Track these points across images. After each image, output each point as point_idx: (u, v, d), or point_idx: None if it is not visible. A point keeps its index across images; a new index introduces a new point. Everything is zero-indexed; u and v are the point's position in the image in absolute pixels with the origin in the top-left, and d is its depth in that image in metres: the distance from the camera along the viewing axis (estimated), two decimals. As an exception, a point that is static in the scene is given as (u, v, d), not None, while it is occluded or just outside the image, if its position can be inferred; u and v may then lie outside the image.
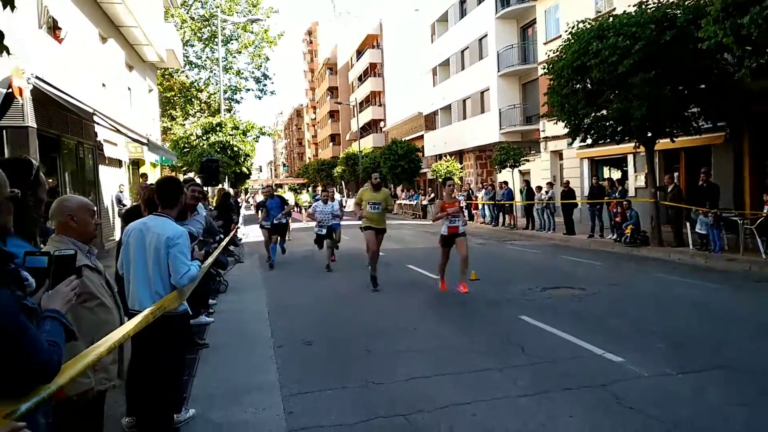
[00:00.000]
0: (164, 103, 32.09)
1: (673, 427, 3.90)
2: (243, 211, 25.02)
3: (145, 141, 15.55)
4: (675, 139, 14.13)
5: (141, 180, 17.72)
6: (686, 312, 7.48)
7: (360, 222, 9.98)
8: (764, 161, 15.15)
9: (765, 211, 11.68)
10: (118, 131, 14.19)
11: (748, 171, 15.15)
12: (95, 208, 3.16)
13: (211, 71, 34.67)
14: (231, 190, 18.26)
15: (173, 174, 23.88)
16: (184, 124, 32.71)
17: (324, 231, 12.16)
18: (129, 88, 19.31)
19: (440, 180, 30.38)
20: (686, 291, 8.97)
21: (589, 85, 13.94)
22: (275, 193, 14.49)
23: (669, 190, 14.15)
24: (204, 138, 24.49)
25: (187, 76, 34.69)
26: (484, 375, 5.11)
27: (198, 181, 10.88)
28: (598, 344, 5.85)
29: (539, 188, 20.52)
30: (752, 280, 9.84)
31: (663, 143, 14.56)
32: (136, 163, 20.40)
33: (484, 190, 24.93)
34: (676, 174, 16.16)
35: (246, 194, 53.27)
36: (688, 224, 13.60)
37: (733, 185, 15.03)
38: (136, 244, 3.73)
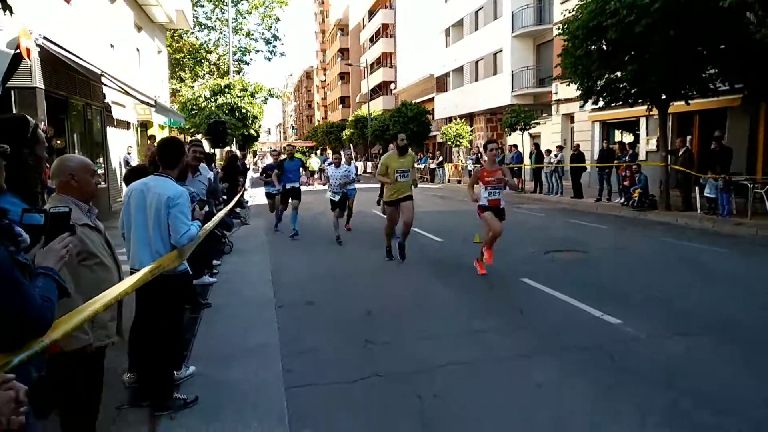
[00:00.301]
0: (173, 64, 31.85)
1: (665, 389, 3.94)
2: (251, 174, 25.05)
3: (153, 103, 15.51)
4: (690, 101, 13.84)
5: (149, 142, 17.77)
6: (689, 276, 7.47)
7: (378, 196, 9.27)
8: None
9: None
10: (127, 93, 14.15)
11: (763, 134, 14.87)
12: (95, 168, 3.18)
13: (221, 32, 34.32)
14: (238, 153, 18.23)
15: (181, 136, 23.91)
16: (193, 86, 32.53)
17: (337, 198, 10.77)
18: (138, 50, 19.16)
19: (450, 143, 30.18)
20: (691, 255, 8.93)
21: (604, 46, 13.62)
22: (294, 155, 12.66)
23: (680, 153, 13.96)
24: (212, 100, 24.39)
25: (196, 38, 34.36)
26: (483, 336, 5.16)
27: (204, 142, 10.89)
28: (598, 306, 5.87)
29: (548, 152, 20.32)
30: (759, 244, 9.77)
31: (677, 106, 14.27)
32: (144, 125, 20.40)
33: (493, 154, 24.71)
34: (688, 137, 15.89)
35: (255, 156, 53.20)
36: (697, 188, 13.45)
37: (747, 149, 14.77)
38: (137, 204, 3.77)
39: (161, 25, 22.96)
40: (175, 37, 31.60)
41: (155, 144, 4.40)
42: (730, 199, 12.37)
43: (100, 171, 14.64)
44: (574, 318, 5.62)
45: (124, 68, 15.97)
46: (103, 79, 12.74)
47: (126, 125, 17.77)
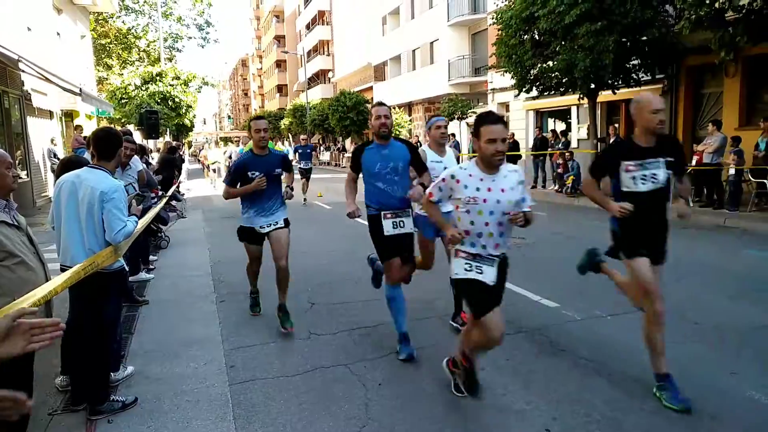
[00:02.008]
0: (99, 50, 30.26)
1: (599, 366, 4.13)
2: (186, 165, 24.33)
3: (77, 91, 14.71)
4: (616, 90, 14.47)
5: (76, 132, 16.87)
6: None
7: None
8: (697, 114, 15.77)
9: (694, 162, 12.21)
10: (48, 80, 13.36)
11: (682, 123, 15.77)
12: (11, 161, 2.98)
13: (150, 17, 32.88)
14: (174, 143, 17.62)
15: (111, 126, 22.83)
16: (122, 74, 31.08)
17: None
18: (58, 34, 18.06)
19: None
20: (621, 239, 9.37)
21: (536, 36, 14.00)
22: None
23: (611, 141, 14.58)
24: (143, 88, 23.45)
25: (123, 22, 32.77)
26: (425, 323, 5.24)
27: (136, 134, 10.44)
28: (536, 291, 6.08)
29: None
30: (680, 226, 10.36)
31: (605, 95, 14.90)
32: (69, 115, 19.35)
33: (432, 143, 25.01)
34: (617, 125, 16.63)
35: (190, 147, 51.59)
36: (625, 174, 14.11)
37: (669, 136, 15.63)
38: (68, 198, 3.57)
39: (83, 8, 21.74)
40: (100, 21, 30.02)
41: (82, 134, 4.18)
42: (654, 183, 13.05)
43: (19, 163, 13.80)
44: (513, 303, 5.79)
45: (44, 54, 15.02)
46: (21, 65, 11.95)
47: (49, 115, 16.78)
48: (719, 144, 11.47)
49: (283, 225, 5.14)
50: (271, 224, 5.11)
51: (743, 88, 14.22)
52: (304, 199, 14.92)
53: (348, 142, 39.88)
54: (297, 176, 12.16)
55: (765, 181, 10.65)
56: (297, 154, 15.75)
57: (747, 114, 14.21)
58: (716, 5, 9.73)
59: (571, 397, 3.69)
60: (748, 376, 3.88)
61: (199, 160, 35.22)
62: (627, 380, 3.89)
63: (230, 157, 18.80)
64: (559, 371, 4.10)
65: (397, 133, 29.80)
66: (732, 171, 11.26)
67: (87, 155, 4.51)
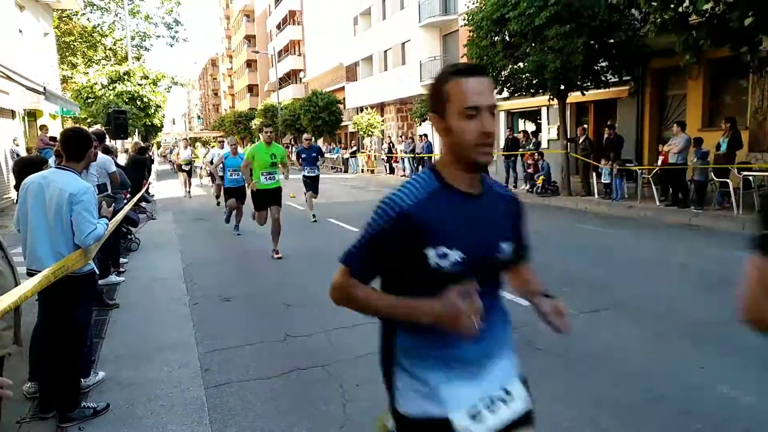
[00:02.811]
0: (63, 48, 29.50)
1: (571, 363, 4.20)
2: (156, 166, 23.91)
3: (41, 90, 14.32)
4: (585, 92, 14.73)
5: (40, 132, 16.42)
6: (590, 256, 7.99)
7: None
8: (663, 115, 16.18)
9: (660, 162, 12.53)
10: (9, 78, 12.97)
11: (648, 124, 16.15)
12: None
13: (116, 15, 32.16)
14: (144, 144, 17.30)
15: (80, 126, 22.28)
16: (88, 73, 30.35)
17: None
18: (20, 31, 17.55)
19: (362, 133, 30.23)
20: (590, 237, 9.56)
21: (507, 38, 14.16)
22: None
23: (580, 141, 14.83)
24: (110, 88, 22.95)
25: (88, 19, 31.99)
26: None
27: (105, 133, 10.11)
28: (509, 291, 6.13)
29: (458, 141, 20.89)
30: (647, 225, 10.62)
31: (574, 96, 15.14)
32: (32, 115, 18.79)
33: (404, 143, 25.10)
34: (585, 126, 16.95)
35: (159, 147, 50.71)
36: (594, 174, 14.39)
37: (635, 137, 16.00)
38: (35, 199, 3.47)
39: (47, 5, 21.18)
40: (64, 19, 29.26)
41: (48, 134, 4.06)
42: (622, 184, 13.36)
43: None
44: (488, 301, 5.84)
45: (5, 51, 14.59)
46: (-18, 64, 11.60)
47: (11, 114, 16.27)
48: (684, 144, 11.78)
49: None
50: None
51: (706, 90, 14.63)
52: (313, 216, 12.11)
53: (320, 142, 39.70)
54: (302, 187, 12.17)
55: (728, 180, 10.97)
56: (300, 158, 12.34)
57: (710, 115, 14.63)
58: (680, 9, 9.98)
59: (548, 395, 3.73)
60: (716, 371, 3.99)
61: (170, 161, 34.06)
62: (602, 377, 3.97)
63: (211, 162, 15.25)
64: (536, 370, 4.13)
65: (371, 133, 29.86)
66: (696, 171, 11.58)
67: (52, 156, 4.41)
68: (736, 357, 4.23)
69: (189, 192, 18.57)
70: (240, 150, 12.18)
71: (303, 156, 12.25)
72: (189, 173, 19.01)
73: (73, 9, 26.36)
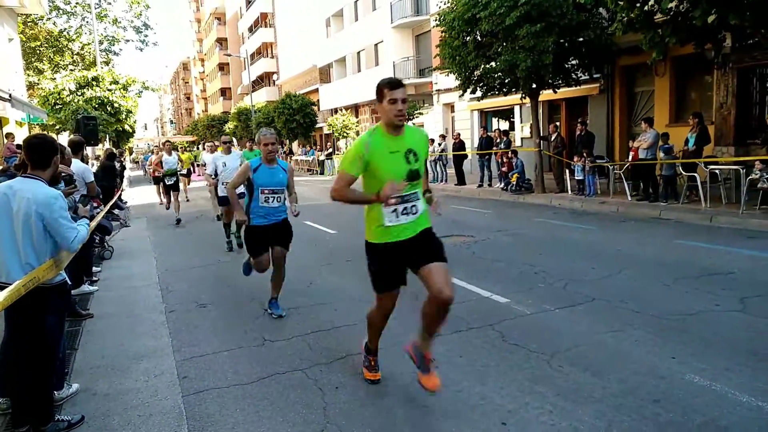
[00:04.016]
0: (29, 54, 28.84)
1: (549, 358, 4.27)
2: (128, 173, 23.52)
3: (7, 97, 13.99)
4: (557, 90, 14.94)
5: (6, 140, 16.03)
6: (563, 252, 8.10)
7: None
8: (631, 111, 16.50)
9: (630, 157, 12.78)
10: (-27, 86, 12.64)
11: (618, 121, 16.45)
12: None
13: (83, 19, 31.55)
14: (116, 150, 17.01)
15: (45, 132, 21.81)
16: (55, 78, 29.73)
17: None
18: (-17, 37, 17.14)
19: (337, 135, 30.15)
20: (564, 233, 9.70)
21: (479, 37, 14.29)
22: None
23: (553, 139, 15.04)
24: (78, 93, 22.52)
25: (54, 24, 31.32)
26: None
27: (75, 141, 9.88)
28: (486, 287, 6.21)
29: (432, 141, 20.99)
30: (620, 220, 10.82)
31: (546, 94, 15.36)
32: (-2, 122, 18.34)
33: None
34: (557, 123, 17.20)
35: (131, 153, 49.95)
36: (567, 171, 14.60)
37: (606, 134, 16.28)
38: (1, 211, 3.39)
39: (10, 9, 20.67)
40: (29, 24, 28.60)
41: (14, 142, 3.97)
42: (594, 180, 13.59)
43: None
44: (465, 299, 5.89)
45: (-31, 59, 14.22)
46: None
47: (-25, 123, 15.89)
48: (653, 140, 12.03)
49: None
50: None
51: (672, 87, 14.98)
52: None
53: (295, 144, 39.53)
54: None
55: (695, 174, 11.24)
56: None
57: (677, 111, 14.97)
58: (646, 8, 10.20)
59: (525, 390, 3.79)
60: (687, 360, 4.09)
61: (145, 171, 28.40)
62: (577, 371, 4.03)
63: (214, 175, 10.95)
64: (513, 365, 4.20)
65: (346, 134, 29.79)
66: (663, 166, 11.84)
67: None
68: (706, 346, 4.34)
69: (178, 219, 13.13)
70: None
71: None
72: (173, 188, 13.66)
73: (38, 14, 25.76)
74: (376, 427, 3.41)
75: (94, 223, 6.14)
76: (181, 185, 14.96)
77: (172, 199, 13.64)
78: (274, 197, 5.46)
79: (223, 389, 4.02)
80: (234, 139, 38.08)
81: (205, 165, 13.75)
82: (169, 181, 13.63)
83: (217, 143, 12.79)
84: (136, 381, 4.21)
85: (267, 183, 5.42)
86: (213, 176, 9.45)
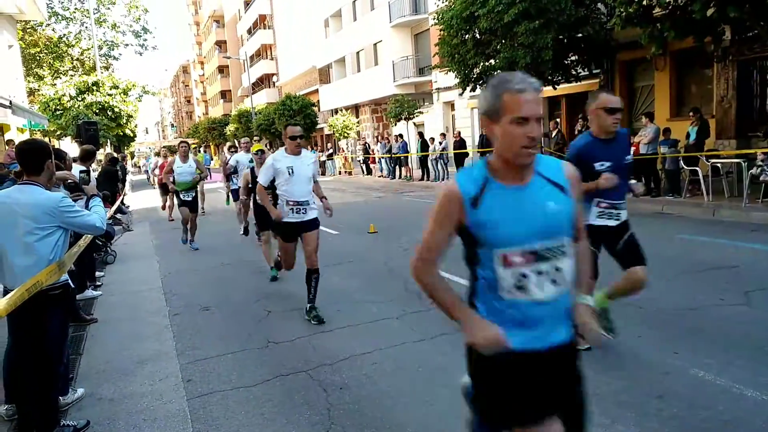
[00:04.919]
0: (28, 60, 28.90)
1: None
2: (130, 177, 23.57)
3: (7, 104, 14.03)
4: (557, 86, 14.92)
5: (7, 147, 16.09)
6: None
7: None
8: (632, 106, 16.47)
9: (631, 153, 12.73)
10: (-26, 94, 12.68)
11: (620, 115, 16.41)
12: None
13: (82, 24, 31.62)
14: (117, 155, 17.01)
15: (46, 139, 21.88)
16: (55, 84, 29.80)
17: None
18: (-17, 45, 17.19)
19: (338, 135, 30.16)
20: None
21: (477, 35, 14.29)
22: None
23: (553, 135, 15.02)
24: (79, 99, 22.56)
25: (54, 30, 31.39)
26: (383, 324, 5.27)
27: (74, 145, 9.96)
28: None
29: (432, 140, 21.00)
30: (623, 216, 10.79)
31: (546, 91, 15.32)
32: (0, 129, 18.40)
33: (380, 144, 25.15)
34: (558, 119, 17.17)
35: (133, 158, 50.01)
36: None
37: (607, 129, 16.25)
38: (2, 219, 3.40)
39: (9, 16, 20.72)
40: (28, 30, 28.66)
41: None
42: (596, 175, 13.57)
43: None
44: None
45: (-31, 66, 14.27)
46: (-55, 80, 11.32)
47: (-23, 130, 15.94)
48: (653, 135, 12.01)
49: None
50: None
51: (672, 81, 14.95)
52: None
53: (296, 146, 39.39)
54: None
55: (697, 168, 11.21)
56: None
57: (677, 105, 14.94)
58: (644, 2, 10.18)
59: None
60: (690, 355, 4.09)
61: (148, 179, 27.52)
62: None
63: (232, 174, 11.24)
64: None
65: (346, 135, 29.79)
66: (666, 160, 11.81)
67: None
68: (710, 341, 4.34)
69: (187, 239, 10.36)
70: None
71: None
72: (190, 207, 9.86)
73: (37, 20, 25.83)
74: (380, 428, 3.42)
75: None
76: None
77: (189, 222, 9.98)
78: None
79: (228, 392, 4.03)
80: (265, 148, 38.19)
81: (229, 165, 11.46)
82: (186, 197, 9.71)
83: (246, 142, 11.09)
84: (140, 385, 4.22)
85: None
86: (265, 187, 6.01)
